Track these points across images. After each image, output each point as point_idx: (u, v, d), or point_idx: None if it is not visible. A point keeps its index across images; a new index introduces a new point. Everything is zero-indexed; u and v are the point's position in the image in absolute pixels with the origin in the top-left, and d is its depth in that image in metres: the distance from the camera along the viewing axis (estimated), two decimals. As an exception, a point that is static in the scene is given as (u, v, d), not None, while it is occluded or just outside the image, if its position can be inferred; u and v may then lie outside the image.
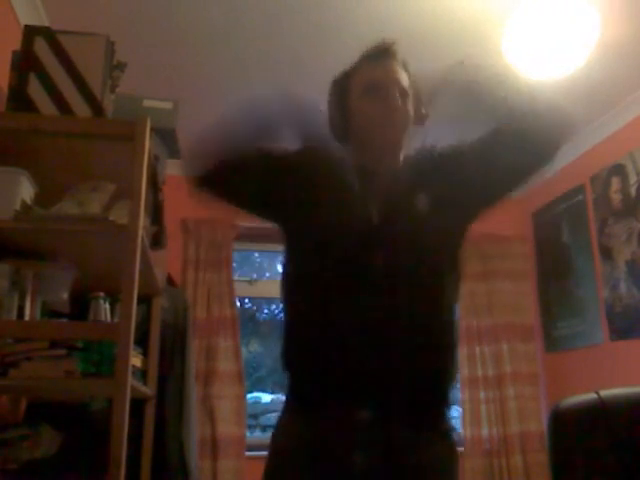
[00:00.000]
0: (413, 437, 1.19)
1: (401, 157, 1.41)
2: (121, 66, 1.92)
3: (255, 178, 1.37)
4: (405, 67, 1.43)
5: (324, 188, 1.33)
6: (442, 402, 1.27)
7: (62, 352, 1.55)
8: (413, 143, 1.43)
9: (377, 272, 1.24)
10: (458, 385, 3.97)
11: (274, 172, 1.38)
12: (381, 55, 1.40)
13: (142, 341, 2.04)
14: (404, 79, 1.39)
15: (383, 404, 1.18)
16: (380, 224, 1.29)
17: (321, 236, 1.29)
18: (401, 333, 1.22)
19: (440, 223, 1.31)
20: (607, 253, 3.47)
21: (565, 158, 3.90)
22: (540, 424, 3.86)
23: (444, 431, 1.26)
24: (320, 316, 1.25)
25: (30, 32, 1.75)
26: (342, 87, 1.42)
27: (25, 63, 1.71)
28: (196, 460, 2.40)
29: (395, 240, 1.27)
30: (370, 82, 1.36)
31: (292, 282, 1.34)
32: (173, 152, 2.20)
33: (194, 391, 2.49)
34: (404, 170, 1.39)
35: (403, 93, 1.36)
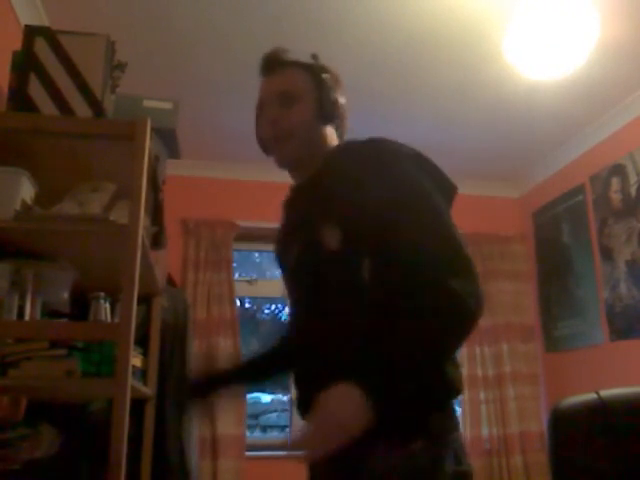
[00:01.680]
0: None
1: (317, 162, 1.27)
2: (121, 66, 1.91)
3: None
4: (306, 65, 1.32)
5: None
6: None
7: (62, 352, 1.55)
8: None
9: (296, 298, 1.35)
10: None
11: None
12: (265, 70, 1.34)
13: (142, 341, 2.04)
14: (288, 83, 1.28)
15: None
16: (295, 266, 1.31)
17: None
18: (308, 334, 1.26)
19: (349, 257, 1.14)
20: (607, 253, 3.47)
21: (565, 158, 3.90)
22: (540, 424, 3.86)
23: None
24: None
25: (30, 32, 1.75)
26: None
27: (25, 63, 1.71)
28: (196, 460, 2.40)
29: (306, 281, 1.26)
30: (258, 102, 1.34)
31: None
32: (173, 152, 2.20)
33: (194, 391, 2.48)
34: (321, 182, 1.25)
35: (287, 97, 1.26)
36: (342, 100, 1.32)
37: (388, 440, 1.07)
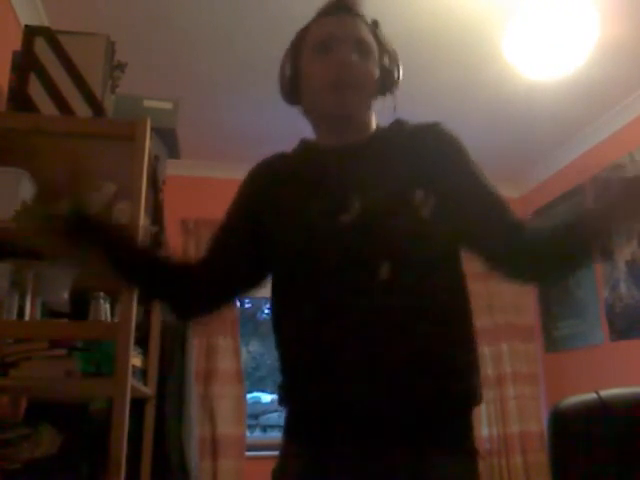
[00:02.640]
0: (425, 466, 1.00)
1: (368, 125, 1.18)
2: (121, 66, 1.92)
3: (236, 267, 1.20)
4: (371, 23, 1.22)
5: (285, 192, 1.14)
6: (448, 420, 1.04)
7: (62, 352, 1.55)
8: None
9: (370, 292, 1.01)
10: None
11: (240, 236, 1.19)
12: (336, 9, 1.19)
13: (142, 341, 2.04)
14: (366, 35, 1.17)
15: (385, 437, 0.99)
16: (357, 224, 1.05)
17: (299, 265, 1.08)
18: (399, 363, 0.99)
19: (442, 232, 1.06)
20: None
21: (565, 158, 3.90)
22: (540, 424, 3.86)
23: (459, 452, 1.07)
24: (308, 346, 1.04)
25: (30, 32, 1.75)
26: (294, 48, 1.21)
27: (25, 63, 1.71)
28: (196, 460, 2.40)
29: (387, 251, 1.03)
30: (322, 37, 1.15)
31: (275, 312, 1.18)
32: (173, 152, 2.20)
33: (194, 391, 2.49)
34: (390, 146, 1.15)
35: (362, 48, 1.14)
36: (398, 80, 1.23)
37: (449, 447, 1.04)
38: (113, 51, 1.86)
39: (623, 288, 3.32)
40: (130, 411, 1.45)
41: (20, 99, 1.69)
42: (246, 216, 1.20)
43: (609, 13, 2.53)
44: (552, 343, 3.98)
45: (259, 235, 1.15)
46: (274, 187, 1.16)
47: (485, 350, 3.98)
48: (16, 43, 1.81)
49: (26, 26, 1.80)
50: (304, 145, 1.22)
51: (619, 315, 3.35)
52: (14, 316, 1.57)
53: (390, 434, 0.99)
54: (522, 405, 3.90)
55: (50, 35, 1.74)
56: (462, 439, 1.08)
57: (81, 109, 1.71)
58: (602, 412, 1.39)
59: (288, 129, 3.62)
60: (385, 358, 0.98)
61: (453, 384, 1.02)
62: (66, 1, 2.48)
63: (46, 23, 2.50)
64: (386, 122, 1.23)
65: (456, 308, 1.09)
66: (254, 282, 1.24)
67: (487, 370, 3.95)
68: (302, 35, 1.22)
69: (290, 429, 1.10)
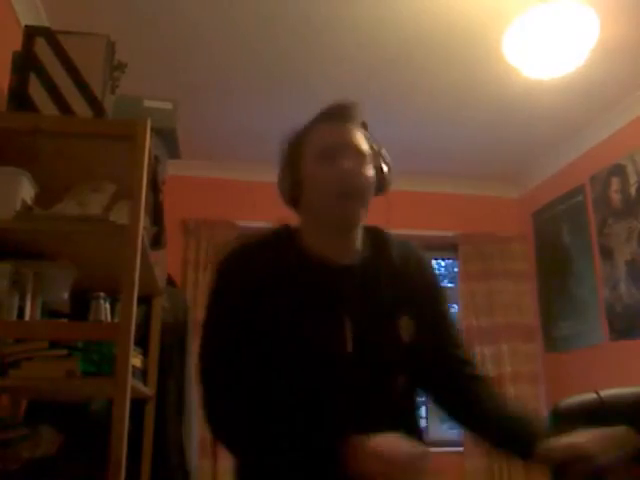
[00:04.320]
0: None
1: (359, 235, 1.23)
2: (121, 66, 1.92)
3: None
4: (364, 128, 1.26)
5: (274, 302, 1.14)
6: None
7: (62, 352, 1.55)
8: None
9: (345, 409, 1.10)
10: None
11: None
12: (338, 116, 1.22)
13: (142, 341, 2.04)
14: (363, 142, 1.22)
15: None
16: (356, 354, 1.12)
17: (285, 368, 1.12)
18: None
19: (418, 352, 1.18)
20: (607, 253, 3.47)
21: (565, 158, 3.90)
22: (540, 424, 3.85)
23: None
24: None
25: (30, 32, 1.75)
26: (294, 149, 1.24)
27: (25, 63, 1.71)
28: (196, 460, 2.40)
29: (369, 373, 1.13)
30: (325, 145, 1.18)
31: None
32: (173, 152, 2.20)
33: (194, 391, 2.49)
34: (379, 268, 1.21)
35: (362, 157, 1.19)
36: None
37: None
38: (113, 51, 1.86)
39: (623, 288, 3.32)
40: (130, 411, 1.45)
41: (20, 99, 1.69)
42: (244, 328, 1.16)
43: (609, 13, 2.53)
44: (552, 343, 3.98)
45: (254, 338, 1.14)
46: (265, 295, 1.15)
47: (485, 350, 3.98)
48: (16, 43, 1.81)
49: (26, 26, 1.80)
50: (292, 247, 1.21)
51: (619, 315, 3.35)
52: (14, 316, 1.57)
53: None
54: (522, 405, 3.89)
55: (50, 35, 1.74)
56: None
57: (81, 109, 1.71)
58: (602, 412, 1.39)
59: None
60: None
61: None
62: (66, 1, 2.48)
63: (46, 23, 2.50)
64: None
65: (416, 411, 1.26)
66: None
67: (487, 370, 3.94)
68: (302, 139, 1.24)
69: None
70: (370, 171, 1.20)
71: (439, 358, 1.23)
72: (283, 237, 1.23)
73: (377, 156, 1.25)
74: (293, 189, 1.21)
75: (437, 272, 1.34)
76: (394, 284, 1.19)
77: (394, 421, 1.11)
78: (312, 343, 1.12)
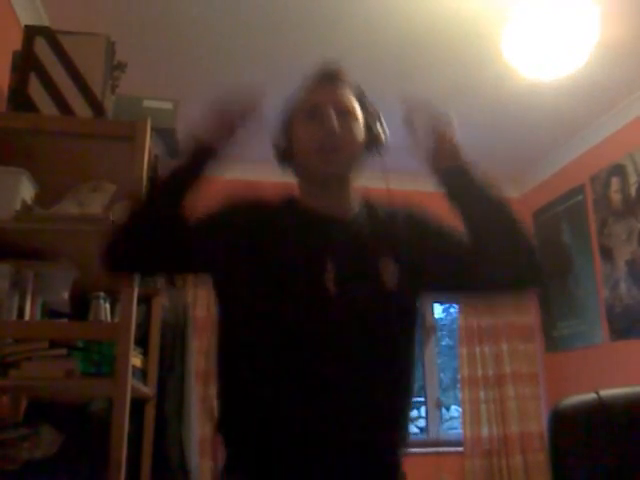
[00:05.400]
0: None
1: (354, 195, 1.28)
2: (121, 66, 1.92)
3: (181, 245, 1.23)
4: (356, 90, 1.31)
5: (267, 245, 1.19)
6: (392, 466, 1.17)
7: (62, 352, 1.55)
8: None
9: (327, 351, 1.11)
10: (458, 385, 3.98)
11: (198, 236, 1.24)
12: (323, 78, 1.29)
13: (142, 341, 2.04)
14: (350, 100, 1.26)
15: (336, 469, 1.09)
16: (338, 295, 1.14)
17: (265, 304, 1.14)
18: (351, 417, 1.09)
19: (404, 299, 1.19)
20: (607, 253, 3.47)
21: (565, 158, 3.90)
22: (540, 424, 3.86)
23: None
24: (264, 392, 1.11)
25: (30, 32, 1.75)
26: (285, 113, 1.31)
27: (25, 63, 1.71)
28: (196, 460, 2.40)
29: (352, 316, 1.14)
30: (309, 106, 1.25)
31: (231, 348, 1.19)
32: (173, 152, 2.20)
33: (194, 391, 2.49)
34: (366, 221, 1.25)
35: (347, 115, 1.23)
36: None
37: None
38: (113, 51, 1.86)
39: (623, 288, 3.32)
40: (130, 411, 1.45)
41: (20, 99, 1.69)
42: (220, 240, 1.23)
43: (609, 13, 2.53)
44: (552, 343, 3.98)
45: (220, 264, 1.21)
46: (256, 233, 1.21)
47: (485, 350, 3.98)
48: (16, 43, 1.81)
49: (26, 26, 1.80)
50: (291, 204, 1.28)
51: (619, 315, 3.35)
52: (14, 316, 1.57)
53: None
54: (522, 405, 3.89)
55: (50, 35, 1.74)
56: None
57: (81, 109, 1.71)
58: (602, 412, 1.39)
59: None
60: (346, 415, 1.09)
61: (398, 438, 1.17)
62: (66, 1, 2.48)
63: (46, 23, 2.50)
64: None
65: (409, 371, 1.21)
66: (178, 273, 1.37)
67: (487, 370, 3.95)
68: (291, 104, 1.31)
69: (234, 464, 1.15)
70: (355, 128, 1.23)
71: (465, 272, 1.21)
72: (286, 199, 1.30)
73: (370, 116, 1.29)
74: (286, 151, 1.28)
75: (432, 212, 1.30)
76: (379, 234, 1.22)
77: (377, 367, 1.13)
78: (293, 283, 1.15)
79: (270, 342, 1.13)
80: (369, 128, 1.28)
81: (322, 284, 1.14)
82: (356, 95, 1.30)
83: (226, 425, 1.16)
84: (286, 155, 1.29)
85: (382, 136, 1.30)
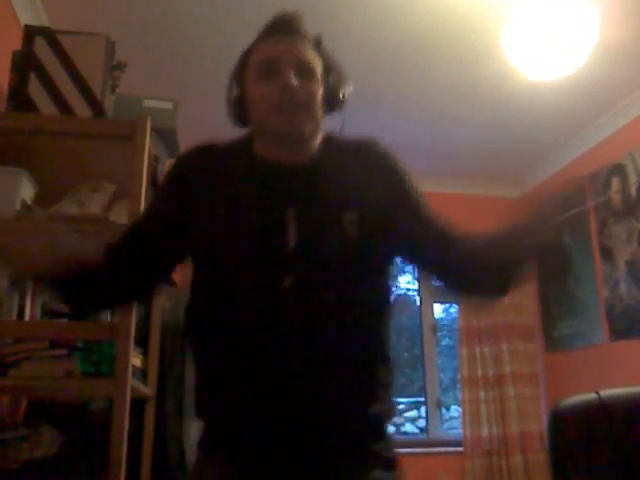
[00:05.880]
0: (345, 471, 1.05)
1: (314, 146, 1.19)
2: (121, 66, 1.92)
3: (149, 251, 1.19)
4: (315, 43, 1.22)
5: (221, 197, 1.13)
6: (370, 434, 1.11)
7: (62, 352, 1.55)
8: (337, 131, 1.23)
9: (288, 305, 1.05)
10: (458, 385, 3.98)
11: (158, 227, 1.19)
12: (279, 30, 1.20)
13: (142, 341, 2.04)
14: (308, 55, 1.18)
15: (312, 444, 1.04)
16: (297, 248, 1.08)
17: (223, 262, 1.10)
18: (319, 377, 1.04)
19: (369, 250, 1.12)
20: (607, 253, 3.47)
21: (565, 158, 3.90)
22: (540, 424, 3.86)
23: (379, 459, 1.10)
24: (226, 356, 1.08)
25: (30, 32, 1.75)
26: (240, 67, 1.24)
27: (25, 63, 1.71)
28: (196, 460, 2.40)
29: (313, 269, 1.08)
30: (264, 61, 1.17)
31: (194, 312, 1.16)
32: (173, 152, 2.20)
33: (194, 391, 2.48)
34: (327, 169, 1.17)
35: (304, 69, 1.16)
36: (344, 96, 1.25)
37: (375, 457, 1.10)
38: (113, 51, 1.86)
39: (623, 288, 3.32)
40: (130, 411, 1.45)
41: (20, 99, 1.69)
42: (174, 208, 1.18)
43: (609, 13, 2.53)
44: (552, 343, 3.98)
45: (183, 229, 1.15)
46: (210, 186, 1.15)
47: (485, 350, 3.98)
48: (16, 43, 1.81)
49: (26, 26, 1.80)
50: (246, 151, 1.20)
51: (619, 315, 3.35)
52: (14, 316, 1.57)
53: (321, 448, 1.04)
54: (522, 405, 3.89)
55: (50, 35, 1.74)
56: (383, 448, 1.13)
57: (81, 109, 1.71)
58: (602, 412, 1.39)
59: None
60: (316, 376, 1.04)
61: (377, 405, 1.09)
62: (66, 1, 2.48)
63: (46, 23, 2.50)
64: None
65: (381, 325, 1.15)
66: (169, 273, 1.27)
67: (487, 370, 3.95)
68: (245, 58, 1.24)
69: (210, 444, 1.12)
70: (313, 84, 1.16)
71: (427, 244, 1.18)
72: (242, 143, 1.22)
73: (329, 70, 1.22)
74: (240, 107, 1.21)
75: (403, 166, 1.22)
76: (342, 181, 1.15)
77: (342, 324, 1.07)
78: (254, 237, 1.09)
79: (230, 301, 1.08)
80: (328, 83, 1.21)
81: (282, 237, 1.08)
82: (315, 47, 1.22)
83: (198, 406, 1.13)
84: (241, 113, 1.22)
85: (342, 90, 1.23)
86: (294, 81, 1.13)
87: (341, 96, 1.22)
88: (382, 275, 1.17)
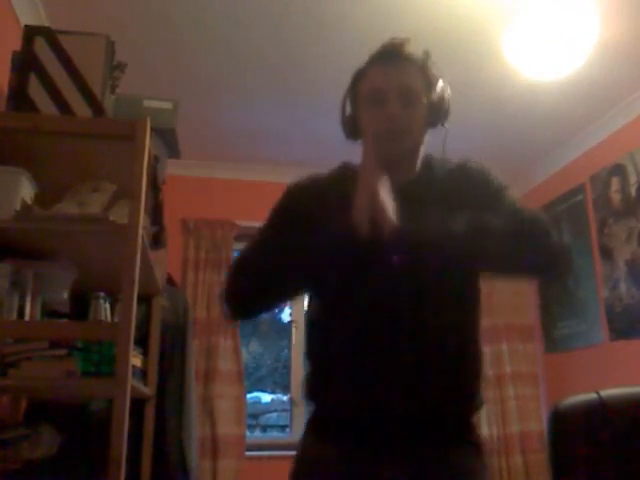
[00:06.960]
0: (441, 459, 1.17)
1: (415, 166, 1.32)
2: (121, 66, 1.92)
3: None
4: (422, 65, 1.32)
5: (325, 218, 1.21)
6: (465, 428, 1.24)
7: (62, 352, 1.55)
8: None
9: (403, 315, 1.19)
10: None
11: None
12: (386, 58, 1.32)
13: (142, 341, 2.04)
14: (412, 82, 1.29)
15: (410, 442, 1.16)
16: (402, 263, 1.19)
17: (340, 281, 1.22)
18: (430, 378, 1.17)
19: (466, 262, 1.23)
20: (607, 253, 3.47)
21: (565, 158, 3.90)
22: (540, 424, 3.86)
23: (473, 446, 1.23)
24: (348, 363, 1.20)
25: (30, 32, 1.75)
26: (352, 88, 1.36)
27: (25, 63, 1.71)
28: (196, 460, 2.40)
29: (419, 283, 1.19)
30: (371, 90, 1.29)
31: (316, 328, 1.29)
32: (173, 152, 2.20)
33: (194, 391, 2.49)
34: (427, 186, 1.29)
35: (408, 96, 1.27)
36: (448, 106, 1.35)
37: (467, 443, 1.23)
38: (113, 51, 1.86)
39: (623, 288, 3.32)
40: (130, 411, 1.45)
41: (20, 99, 1.69)
42: (295, 225, 1.27)
43: (609, 13, 2.53)
44: (552, 343, 3.98)
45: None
46: (320, 207, 1.24)
47: (485, 350, 3.97)
48: (16, 43, 1.81)
49: (26, 26, 1.80)
50: (349, 173, 1.27)
51: (619, 315, 3.35)
52: (14, 316, 1.57)
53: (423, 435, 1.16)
54: (522, 405, 3.89)
55: (50, 35, 1.74)
56: (475, 435, 1.26)
57: (81, 109, 1.71)
58: (602, 412, 1.39)
59: (288, 129, 3.62)
60: (426, 369, 1.17)
61: (473, 395, 1.24)
62: (66, 1, 2.48)
63: (46, 23, 2.50)
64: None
65: (476, 325, 1.29)
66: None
67: (487, 370, 3.95)
68: (358, 80, 1.35)
69: (321, 429, 1.23)
70: (416, 111, 1.27)
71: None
72: (346, 169, 1.33)
73: (433, 90, 1.31)
74: (352, 123, 1.34)
75: (497, 178, 1.34)
76: (442, 197, 1.25)
77: (447, 336, 1.19)
78: (356, 253, 1.18)
79: (347, 319, 1.21)
80: (432, 103, 1.31)
81: (385, 253, 1.18)
82: (421, 70, 1.31)
83: (312, 393, 1.25)
84: (352, 130, 1.34)
85: (446, 109, 1.33)
86: (398, 110, 1.25)
87: (443, 112, 1.33)
88: (477, 275, 1.30)
